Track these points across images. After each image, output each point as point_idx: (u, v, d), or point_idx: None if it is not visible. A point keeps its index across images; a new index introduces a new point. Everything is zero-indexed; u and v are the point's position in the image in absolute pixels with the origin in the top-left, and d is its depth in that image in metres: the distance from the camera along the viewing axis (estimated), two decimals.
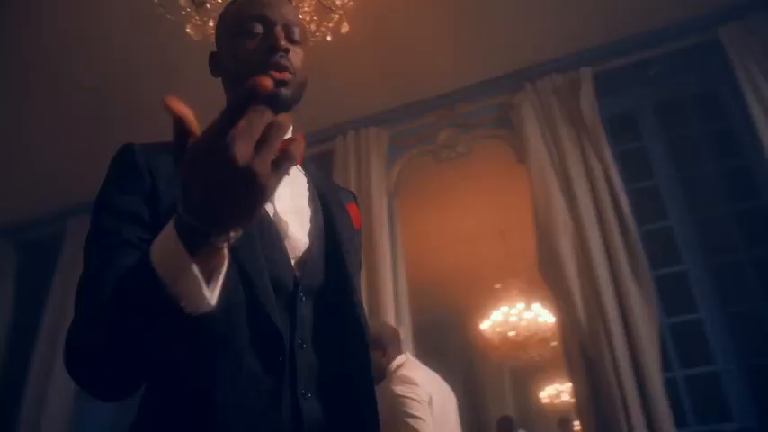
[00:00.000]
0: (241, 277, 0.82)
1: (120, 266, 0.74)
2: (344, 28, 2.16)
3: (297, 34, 1.01)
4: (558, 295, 3.02)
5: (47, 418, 4.00)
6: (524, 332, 5.60)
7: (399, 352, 2.52)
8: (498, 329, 5.79)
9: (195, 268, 0.61)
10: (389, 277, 3.54)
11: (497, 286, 5.92)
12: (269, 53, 0.96)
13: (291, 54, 0.98)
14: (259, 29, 0.98)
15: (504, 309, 5.81)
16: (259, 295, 0.83)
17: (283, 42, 0.97)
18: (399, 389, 2.23)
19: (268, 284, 0.85)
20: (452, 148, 3.82)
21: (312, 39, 2.11)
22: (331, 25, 2.13)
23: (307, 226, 0.97)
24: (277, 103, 0.97)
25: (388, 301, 3.45)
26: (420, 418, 2.14)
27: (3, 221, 4.78)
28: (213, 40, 1.12)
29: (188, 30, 1.91)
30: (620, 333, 2.79)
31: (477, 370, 7.82)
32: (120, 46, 3.27)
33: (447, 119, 3.86)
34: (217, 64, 1.05)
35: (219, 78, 1.06)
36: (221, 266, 0.65)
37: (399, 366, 2.41)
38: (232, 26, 1.01)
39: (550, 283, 3.07)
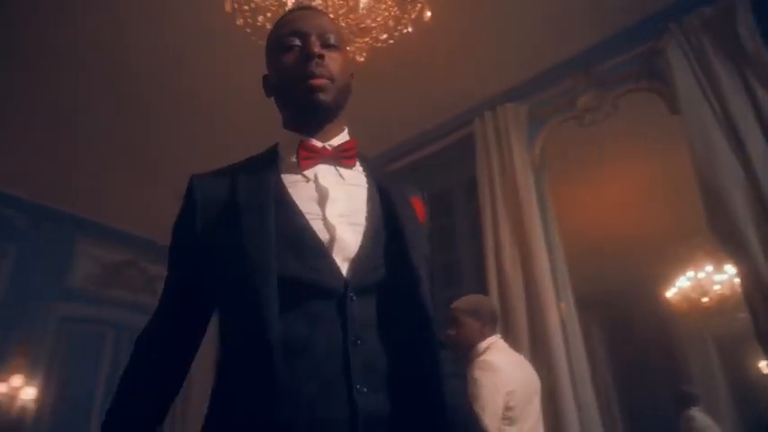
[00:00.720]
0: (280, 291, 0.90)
1: (162, 322, 1.07)
2: (426, 16, 2.16)
3: (333, 40, 1.05)
4: (734, 253, 2.69)
5: None
6: (716, 296, 5.03)
7: (494, 332, 2.47)
8: (687, 296, 5.27)
9: None
10: (544, 255, 3.42)
11: (680, 250, 5.39)
12: (305, 61, 1.01)
13: (328, 59, 1.02)
14: (296, 42, 1.04)
15: (690, 274, 5.27)
16: (305, 305, 0.91)
17: (317, 49, 1.01)
18: (478, 374, 2.18)
19: (316, 296, 0.91)
20: (596, 110, 3.58)
21: (396, 33, 2.14)
22: (413, 16, 2.14)
23: (362, 225, 0.99)
24: (318, 109, 1.02)
25: (545, 278, 3.33)
26: (483, 411, 2.08)
27: None
28: None
29: None
30: None
31: (674, 342, 7.16)
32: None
33: (586, 81, 3.62)
34: (267, 84, 1.13)
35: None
36: None
37: (487, 348, 2.36)
38: (274, 46, 1.09)
39: (723, 240, 2.74)
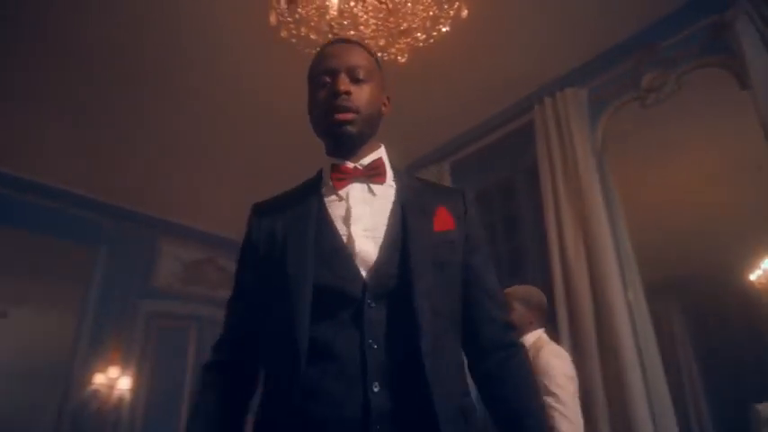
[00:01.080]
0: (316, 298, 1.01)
1: (230, 326, 1.19)
2: (464, 13, 2.15)
3: (362, 74, 1.14)
4: None
5: None
6: None
7: (541, 325, 2.47)
8: None
9: None
10: (608, 240, 3.35)
11: (764, 231, 5.08)
12: (332, 98, 1.10)
13: (355, 93, 1.12)
14: (327, 80, 1.14)
15: None
16: (332, 306, 1.02)
17: (343, 87, 1.10)
18: (555, 361, 2.21)
19: (340, 299, 1.02)
20: (660, 89, 3.44)
21: (434, 33, 2.15)
22: (451, 13, 2.14)
23: (381, 239, 1.08)
24: (344, 140, 1.12)
25: (610, 263, 3.26)
26: (562, 398, 2.12)
27: None
28: None
29: None
30: None
31: (762, 326, 6.77)
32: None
33: (648, 59, 3.49)
34: (310, 116, 1.21)
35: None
36: None
37: (538, 339, 2.38)
38: (311, 82, 1.19)
39: None
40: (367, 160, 1.17)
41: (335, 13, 1.97)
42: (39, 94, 4.07)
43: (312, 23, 2.05)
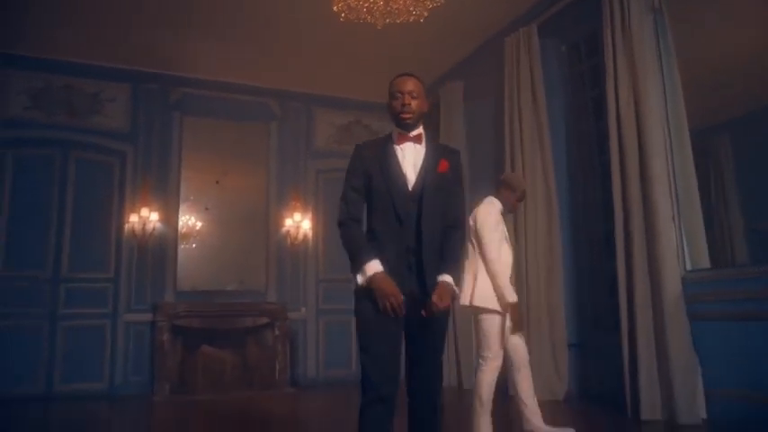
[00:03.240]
0: (389, 194, 2.09)
1: (351, 201, 2.14)
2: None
3: (415, 94, 2.15)
4: None
5: None
6: None
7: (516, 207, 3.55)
8: None
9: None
10: (656, 94, 3.92)
11: None
12: (401, 107, 2.15)
13: (412, 104, 2.13)
14: (398, 95, 2.16)
15: None
16: (394, 199, 2.08)
17: (407, 101, 2.14)
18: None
19: (399, 195, 2.08)
20: None
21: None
22: None
23: (418, 168, 2.14)
24: (406, 126, 2.17)
25: (655, 117, 3.88)
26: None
27: None
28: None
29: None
30: None
31: None
32: None
33: None
34: (388, 110, 2.23)
35: None
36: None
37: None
38: (390, 94, 2.20)
39: None
40: (414, 133, 2.19)
41: None
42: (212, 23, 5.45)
43: (356, 5, 2.85)
